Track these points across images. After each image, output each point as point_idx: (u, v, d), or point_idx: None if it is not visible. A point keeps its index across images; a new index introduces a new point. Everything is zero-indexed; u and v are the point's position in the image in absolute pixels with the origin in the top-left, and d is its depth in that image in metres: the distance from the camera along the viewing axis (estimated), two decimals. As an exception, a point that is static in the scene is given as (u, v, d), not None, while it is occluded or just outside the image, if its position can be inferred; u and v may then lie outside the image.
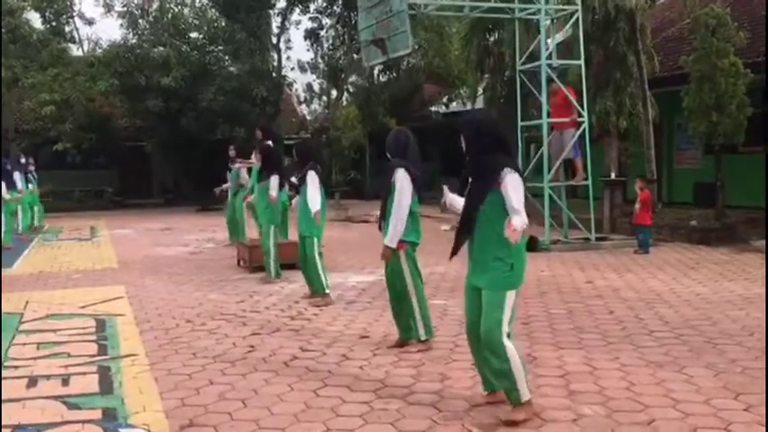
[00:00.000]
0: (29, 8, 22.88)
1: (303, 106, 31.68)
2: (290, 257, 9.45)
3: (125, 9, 23.48)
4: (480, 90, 19.00)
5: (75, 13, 24.14)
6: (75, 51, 24.51)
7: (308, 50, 28.13)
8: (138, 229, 16.49)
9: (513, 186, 3.74)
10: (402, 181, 5.36)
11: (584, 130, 11.42)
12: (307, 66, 29.12)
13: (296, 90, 30.36)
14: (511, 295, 3.88)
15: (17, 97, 23.03)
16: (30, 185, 15.38)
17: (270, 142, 10.19)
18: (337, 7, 25.11)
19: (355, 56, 24.63)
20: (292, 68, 28.23)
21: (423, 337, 5.58)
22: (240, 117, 22.77)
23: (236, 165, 12.56)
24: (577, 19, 11.23)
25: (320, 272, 7.34)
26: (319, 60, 27.99)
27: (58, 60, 22.22)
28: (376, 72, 24.68)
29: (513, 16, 11.65)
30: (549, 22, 11.43)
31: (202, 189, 18.96)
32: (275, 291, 8.18)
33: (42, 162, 26.19)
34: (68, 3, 23.42)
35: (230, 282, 8.90)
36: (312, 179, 7.25)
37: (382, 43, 10.41)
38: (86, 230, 16.54)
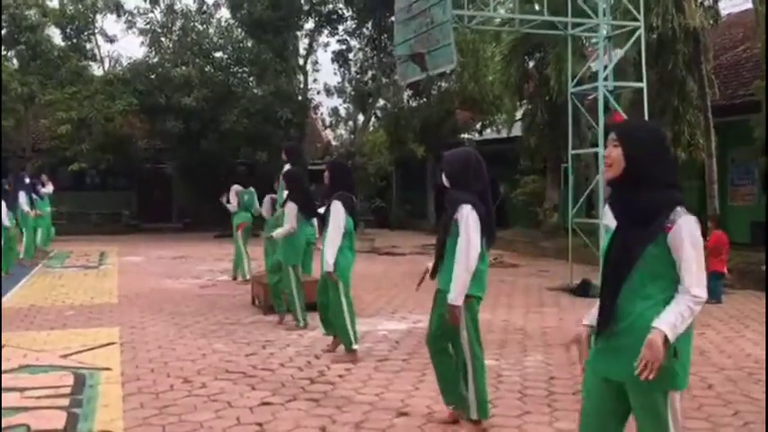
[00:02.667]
0: (50, 24, 22.22)
1: (328, 131, 30.79)
2: (312, 296, 8.31)
3: (148, 26, 22.75)
4: (518, 116, 17.78)
5: (96, 30, 23.47)
6: (96, 70, 23.85)
7: (335, 74, 27.29)
8: (150, 257, 15.42)
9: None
10: (469, 221, 4.17)
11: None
12: (333, 89, 28.27)
13: (321, 114, 29.50)
14: (674, 398, 2.59)
15: (33, 115, 22.27)
16: (35, 207, 14.38)
17: (289, 165, 8.95)
18: (366, 29, 24.20)
19: (384, 80, 23.67)
20: (318, 92, 27.34)
21: (474, 417, 4.33)
22: (263, 140, 21.81)
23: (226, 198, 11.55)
24: (639, 36, 10.00)
25: (347, 321, 6.12)
26: (346, 84, 27.10)
27: (77, 78, 21.49)
28: (406, 97, 23.62)
29: (567, 32, 10.45)
30: (606, 40, 10.22)
31: (222, 214, 17.98)
32: (293, 340, 6.96)
33: (60, 183, 25.56)
34: (90, 19, 22.73)
35: (241, 326, 7.69)
36: (337, 211, 6.07)
37: (421, 58, 9.28)
38: (95, 257, 15.51)
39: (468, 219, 4.16)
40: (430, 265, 4.67)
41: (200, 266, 13.65)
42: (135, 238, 21.06)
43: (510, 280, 11.64)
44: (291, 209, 7.45)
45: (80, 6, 22.39)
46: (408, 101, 23.62)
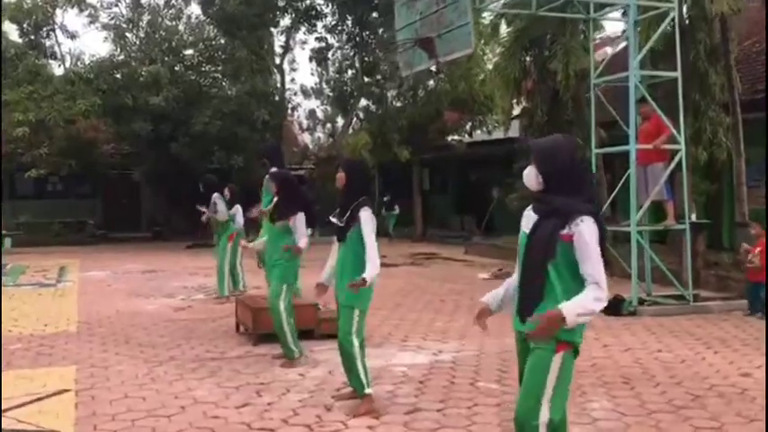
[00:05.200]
0: (5, 19, 20.51)
1: (305, 134, 29.43)
2: (308, 323, 7.02)
3: (112, 21, 21.17)
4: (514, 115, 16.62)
5: (56, 26, 21.79)
6: (56, 68, 22.14)
7: (312, 74, 26.00)
8: (116, 272, 13.91)
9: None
10: (592, 240, 2.96)
11: (679, 161, 9.01)
12: (311, 90, 26.96)
13: (297, 117, 28.15)
14: None
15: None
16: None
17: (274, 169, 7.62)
18: (347, 26, 22.90)
19: (366, 78, 22.41)
20: (295, 93, 25.99)
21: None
22: (238, 143, 20.40)
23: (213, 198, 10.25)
24: (673, 19, 8.87)
25: (359, 363, 4.81)
26: (324, 85, 25.79)
27: (34, 77, 19.80)
28: (390, 97, 22.36)
29: (589, 16, 9.27)
30: (631, 25, 9.06)
31: (194, 223, 16.58)
32: (293, 382, 5.62)
33: (19, 191, 23.84)
34: (49, 14, 21.05)
35: (227, 362, 6.33)
36: (367, 221, 4.80)
37: (430, 44, 8.03)
38: (54, 272, 13.95)
39: (590, 236, 2.93)
40: (487, 300, 3.39)
41: (173, 282, 12.22)
42: (100, 249, 19.48)
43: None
44: (301, 219, 6.14)
45: (38, 0, 20.72)
46: (392, 101, 22.35)
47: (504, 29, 14.85)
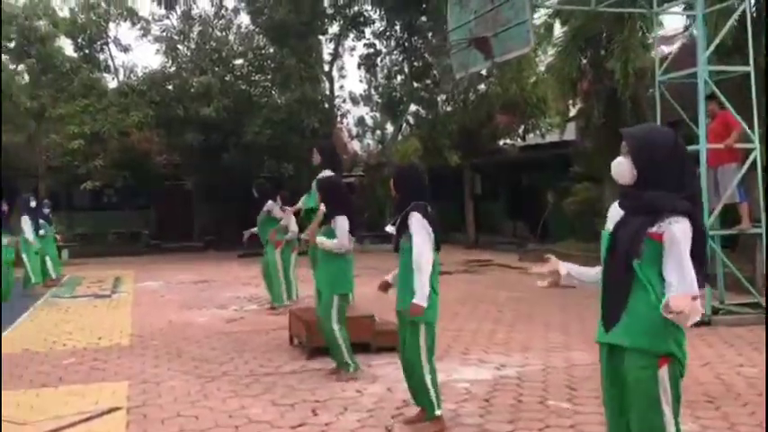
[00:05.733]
0: (61, 35, 20.97)
1: (354, 141, 29.30)
2: (364, 335, 6.76)
3: (163, 34, 21.44)
4: (572, 115, 16.13)
5: (109, 40, 22.18)
6: (110, 81, 22.52)
7: (361, 81, 25.84)
8: (169, 282, 13.94)
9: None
10: (682, 242, 2.73)
11: (753, 161, 8.45)
12: (359, 97, 26.83)
13: (347, 124, 28.04)
14: None
15: (45, 131, 20.99)
16: (42, 231, 12.92)
17: (329, 171, 7.30)
18: (395, 31, 22.68)
19: (415, 83, 22.15)
20: (344, 101, 25.87)
21: None
22: (288, 151, 20.36)
23: (266, 208, 10.06)
24: (743, 11, 8.34)
25: (428, 382, 4.53)
26: (373, 91, 25.62)
27: (89, 90, 20.16)
28: (439, 101, 22.04)
29: (652, 11, 8.80)
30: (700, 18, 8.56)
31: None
32: (350, 400, 5.35)
33: (76, 202, 24.30)
34: (103, 28, 21.44)
35: (281, 377, 6.10)
36: (419, 226, 4.50)
37: (485, 44, 7.70)
38: (109, 283, 14.06)
39: (682, 239, 2.61)
40: (564, 264, 3.12)
41: (225, 293, 12.13)
42: (154, 260, 19.66)
43: (587, 303, 9.94)
44: (343, 224, 5.90)
45: (92, 15, 21.12)
46: (443, 105, 22.01)
47: (558, 28, 14.41)
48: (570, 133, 16.95)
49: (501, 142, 21.33)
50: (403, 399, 5.10)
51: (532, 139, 20.67)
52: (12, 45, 20.76)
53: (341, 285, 5.98)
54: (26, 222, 12.09)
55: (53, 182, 21.38)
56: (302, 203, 8.05)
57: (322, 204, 6.62)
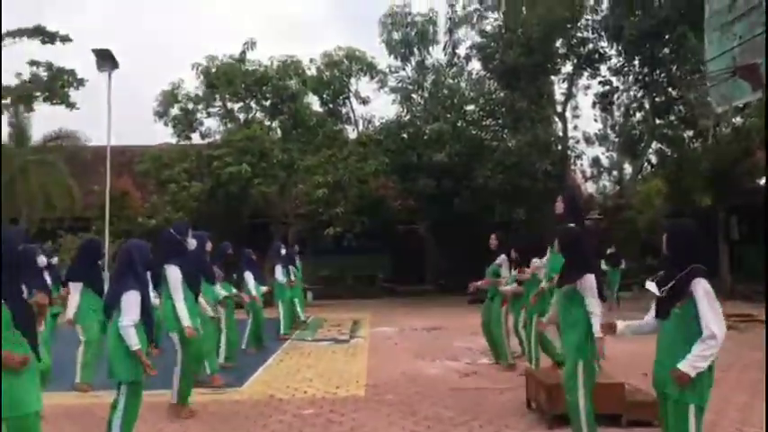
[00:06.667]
0: (308, 92, 22.77)
1: (589, 183, 28.02)
2: (613, 406, 6.04)
3: (399, 84, 22.35)
4: None
5: (350, 94, 23.61)
6: (350, 132, 23.95)
7: (596, 120, 24.72)
8: (403, 328, 14.09)
9: None
10: None
11: None
12: (594, 137, 25.66)
13: (581, 166, 26.93)
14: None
15: (293, 181, 22.78)
16: (293, 277, 13.78)
17: (572, 224, 6.76)
18: (633, 66, 21.40)
19: (658, 120, 20.61)
20: (578, 141, 24.88)
21: None
22: (520, 196, 19.92)
23: (500, 260, 9.50)
24: None
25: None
26: (609, 131, 24.36)
27: (332, 142, 21.59)
28: (686, 138, 20.24)
29: None
30: None
31: (476, 277, 16.29)
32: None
33: (320, 247, 25.97)
34: (345, 83, 22.93)
35: (519, 449, 5.61)
36: (709, 298, 3.97)
37: (754, 72, 6.68)
38: (347, 326, 14.56)
39: None
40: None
41: (457, 342, 11.91)
42: (388, 303, 20.20)
43: None
44: (589, 281, 5.32)
45: (336, 71, 22.70)
46: (689, 142, 20.18)
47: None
48: None
49: (761, 181, 18.94)
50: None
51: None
52: (267, 103, 22.95)
53: (588, 350, 5.38)
54: (278, 269, 12.93)
55: (300, 228, 23.00)
56: (542, 263, 7.58)
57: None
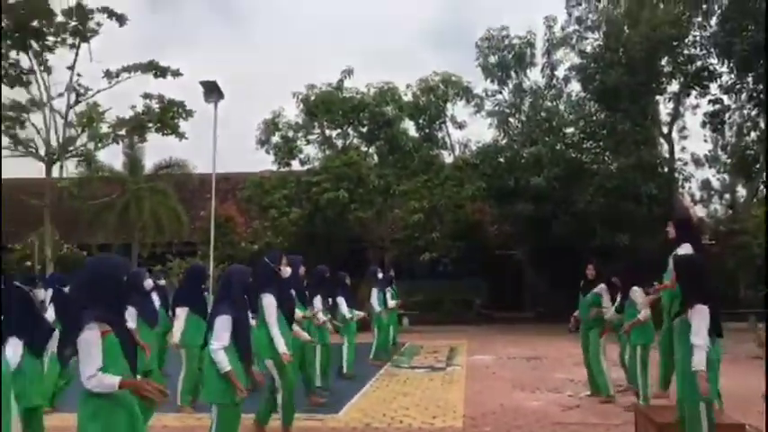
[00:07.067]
0: (404, 117, 22.93)
1: (698, 207, 26.65)
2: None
3: (496, 108, 22.13)
4: None
5: (446, 118, 23.60)
6: (447, 157, 23.89)
7: (706, 141, 23.57)
8: (501, 357, 13.76)
9: None
10: None
11: None
12: (704, 159, 24.47)
13: (689, 189, 25.66)
14: None
15: (389, 206, 22.92)
16: (390, 302, 13.76)
17: (688, 247, 6.35)
18: (746, 84, 20.27)
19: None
20: (685, 163, 23.76)
21: None
22: (622, 220, 19.15)
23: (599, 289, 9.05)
24: None
25: None
26: (720, 151, 23.16)
27: (428, 167, 21.60)
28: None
29: None
30: None
31: (577, 306, 15.71)
32: None
33: (415, 272, 25.90)
34: (441, 108, 22.96)
35: (628, 492, 5.28)
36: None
37: None
38: (444, 353, 14.37)
39: None
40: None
41: (557, 372, 11.49)
42: (485, 330, 19.84)
43: None
44: (700, 312, 4.99)
45: (432, 97, 22.77)
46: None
47: None
48: None
49: None
50: None
51: None
52: (364, 130, 23.27)
53: (711, 389, 5.00)
54: (375, 293, 12.96)
55: (396, 252, 23.02)
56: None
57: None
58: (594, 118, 21.56)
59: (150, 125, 23.55)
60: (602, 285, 9.05)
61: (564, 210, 20.03)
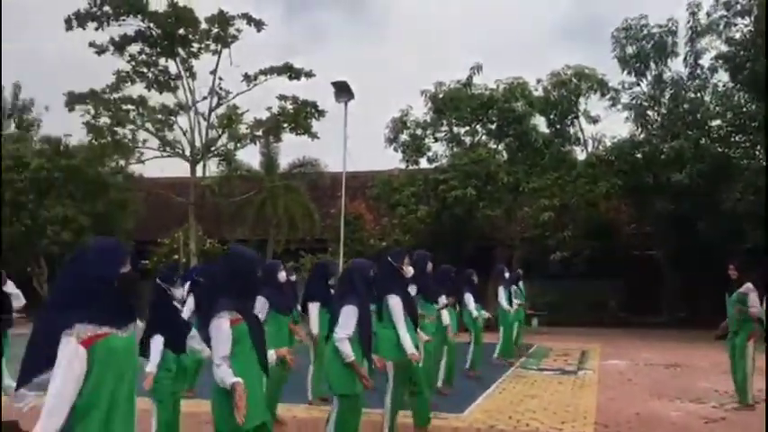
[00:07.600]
0: (535, 113, 22.34)
1: None
2: None
3: (633, 101, 21.04)
4: None
5: (579, 113, 22.71)
6: (579, 154, 23.03)
7: None
8: (636, 362, 13.07)
9: None
10: None
11: None
12: None
13: None
14: None
15: (519, 204, 22.41)
16: (516, 301, 13.44)
17: None
18: None
19: None
20: None
21: None
22: (776, 221, 17.61)
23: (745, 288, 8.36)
24: None
25: None
26: None
27: (560, 163, 20.94)
28: None
29: None
30: None
31: (723, 311, 14.58)
32: None
33: (545, 271, 25.17)
34: (573, 102, 22.14)
35: None
36: None
37: None
38: (575, 357, 13.85)
39: None
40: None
41: (701, 382, 10.74)
42: (619, 334, 18.95)
43: None
44: None
45: (563, 91, 22.03)
46: None
47: None
48: None
49: None
50: None
51: None
52: (493, 126, 22.91)
53: None
54: (501, 292, 12.72)
55: (525, 251, 22.48)
56: None
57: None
58: (744, 110, 20.00)
59: (285, 125, 24.40)
60: (749, 285, 8.44)
61: (709, 208, 18.74)
